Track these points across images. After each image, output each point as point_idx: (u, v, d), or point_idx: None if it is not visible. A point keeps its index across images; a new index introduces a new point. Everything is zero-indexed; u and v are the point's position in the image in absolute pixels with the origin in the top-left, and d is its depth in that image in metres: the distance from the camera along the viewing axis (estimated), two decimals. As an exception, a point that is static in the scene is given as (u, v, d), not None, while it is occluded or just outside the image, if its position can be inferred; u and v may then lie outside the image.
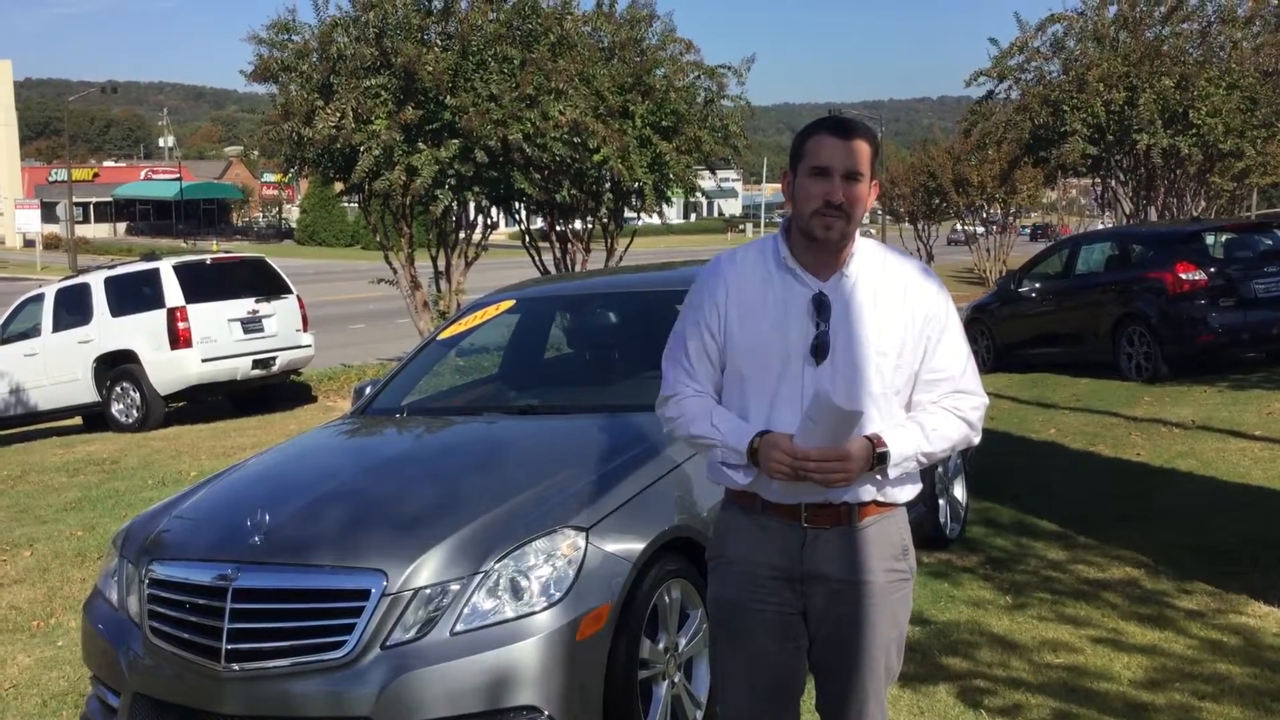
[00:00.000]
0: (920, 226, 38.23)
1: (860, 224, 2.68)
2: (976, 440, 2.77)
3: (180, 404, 14.29)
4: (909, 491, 2.76)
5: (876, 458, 2.59)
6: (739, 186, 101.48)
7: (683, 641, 3.93)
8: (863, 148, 2.62)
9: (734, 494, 2.79)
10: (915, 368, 2.70)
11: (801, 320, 2.66)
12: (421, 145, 12.99)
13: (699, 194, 16.30)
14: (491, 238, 15.95)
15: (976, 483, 6.85)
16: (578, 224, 15.74)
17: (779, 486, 2.66)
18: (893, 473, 2.65)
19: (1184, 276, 11.99)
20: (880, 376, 2.66)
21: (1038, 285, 14.31)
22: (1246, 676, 4.36)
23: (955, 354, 2.73)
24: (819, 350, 2.64)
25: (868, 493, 2.67)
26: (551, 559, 3.53)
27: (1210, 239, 13.09)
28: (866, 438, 2.60)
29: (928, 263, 2.76)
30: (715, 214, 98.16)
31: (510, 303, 5.78)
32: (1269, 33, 18.74)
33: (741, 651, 2.78)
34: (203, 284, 13.70)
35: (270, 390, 14.77)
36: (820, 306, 2.66)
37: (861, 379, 2.64)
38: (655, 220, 16.68)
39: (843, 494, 2.65)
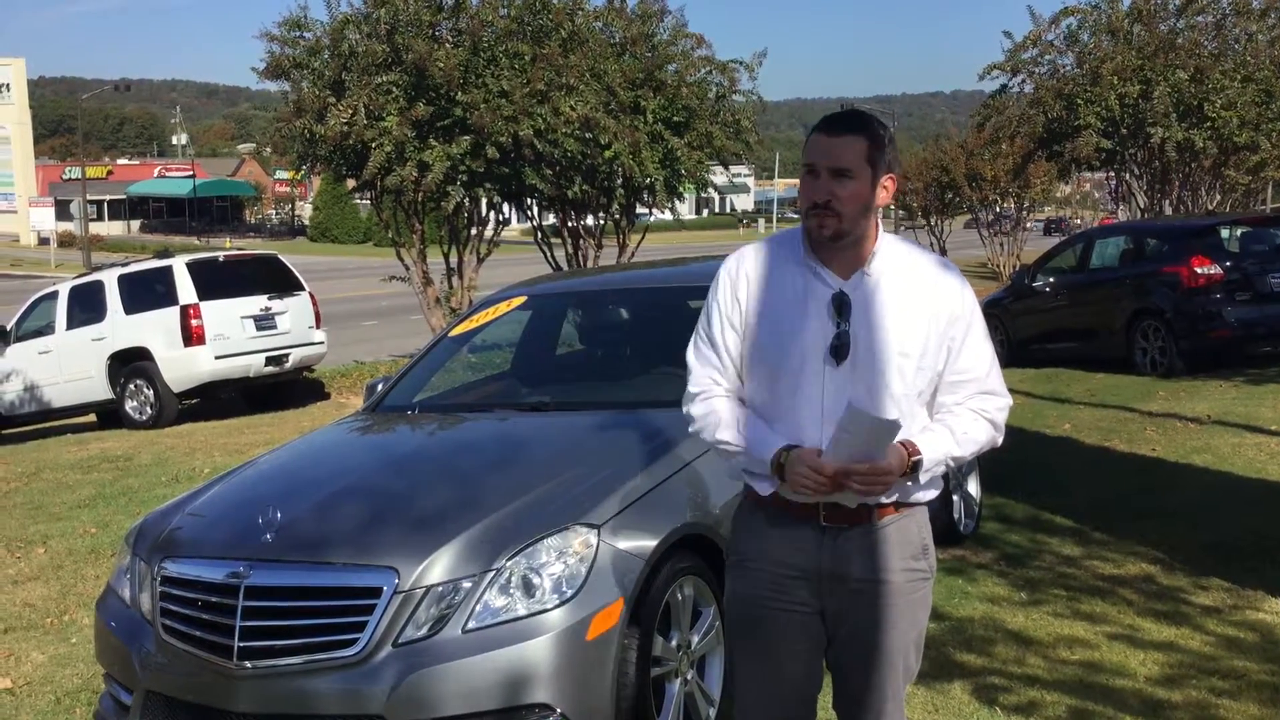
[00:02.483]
0: (933, 221, 38.12)
1: (866, 220, 2.63)
2: (1000, 440, 2.74)
3: (193, 401, 14.32)
4: (930, 492, 2.73)
5: (911, 465, 2.57)
6: (751, 182, 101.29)
7: (695, 639, 3.91)
8: (851, 143, 2.57)
9: (752, 493, 2.76)
10: (938, 369, 2.66)
11: (822, 319, 2.62)
12: (433, 141, 12.98)
13: (711, 189, 16.25)
14: (503, 234, 15.95)
15: (990, 478, 6.81)
16: (589, 220, 15.72)
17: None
18: (923, 479, 2.63)
19: (1199, 271, 11.92)
20: (902, 378, 2.62)
21: (1052, 280, 14.24)
22: (1264, 673, 4.33)
23: (981, 355, 2.69)
24: (839, 350, 2.60)
25: (889, 494, 2.64)
26: (563, 556, 3.52)
27: (1225, 233, 13.02)
28: (901, 444, 2.56)
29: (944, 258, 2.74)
30: (728, 210, 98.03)
31: (522, 299, 5.77)
32: (1285, 25, 18.62)
33: (759, 651, 2.76)
34: (216, 281, 13.75)
35: (283, 387, 14.80)
36: (841, 306, 2.61)
37: (882, 380, 2.61)
38: (667, 216, 16.66)
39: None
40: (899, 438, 2.57)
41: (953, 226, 39.35)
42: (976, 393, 2.69)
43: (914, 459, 2.57)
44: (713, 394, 2.74)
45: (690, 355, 2.80)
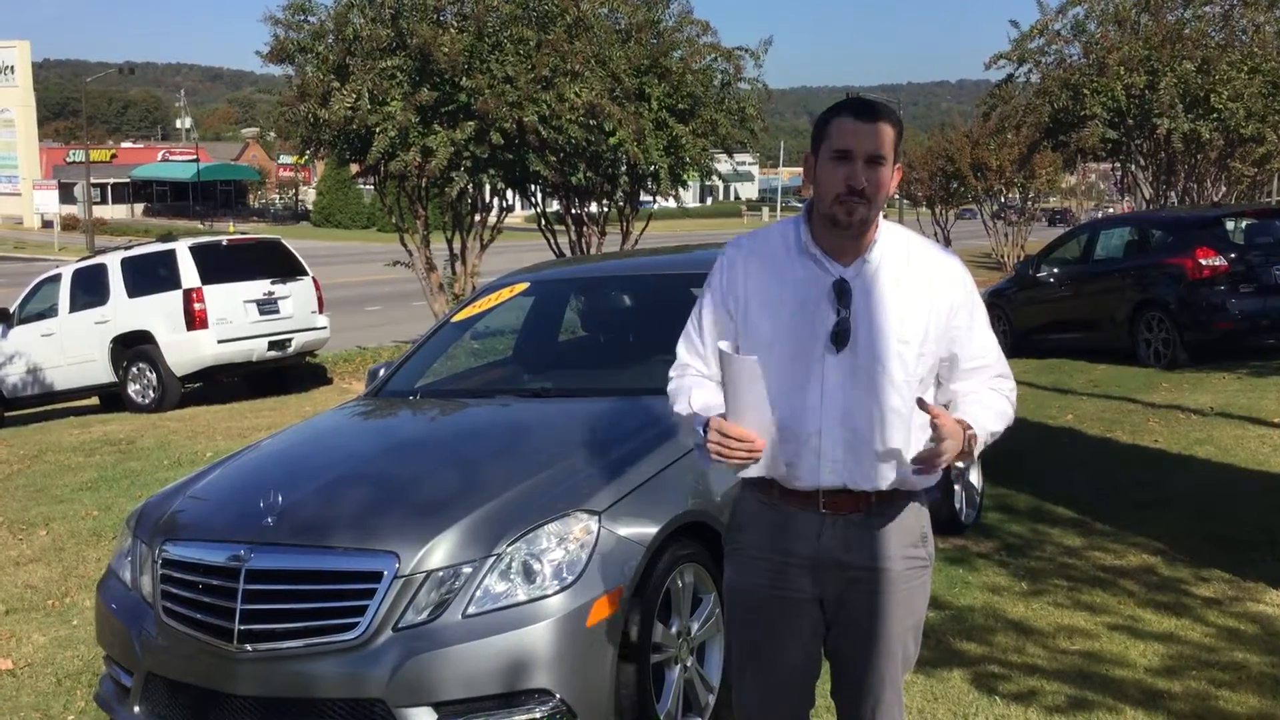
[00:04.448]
0: (938, 211, 38.06)
1: (882, 208, 2.64)
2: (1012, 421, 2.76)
3: (196, 385, 14.33)
4: (928, 479, 2.72)
5: (968, 442, 2.54)
6: (755, 170, 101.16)
7: (695, 626, 3.91)
8: (886, 130, 2.56)
9: (750, 481, 2.76)
10: (939, 355, 2.66)
11: (822, 307, 2.62)
12: (437, 127, 12.96)
13: (715, 177, 16.22)
14: (507, 220, 15.93)
15: (992, 468, 6.81)
16: (593, 207, 15.70)
17: (788, 471, 2.64)
18: (976, 451, 2.61)
19: (1204, 262, 11.90)
20: (902, 365, 2.61)
21: (1056, 271, 14.23)
22: (1264, 665, 4.33)
23: (989, 340, 2.72)
24: (839, 338, 2.60)
25: (886, 480, 2.64)
26: (564, 542, 3.52)
27: (1230, 225, 12.99)
28: (957, 422, 2.53)
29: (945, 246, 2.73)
30: (731, 198, 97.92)
31: (525, 285, 5.76)
32: (1292, 17, 18.55)
33: (758, 638, 2.76)
34: (219, 265, 13.74)
35: (286, 372, 14.81)
36: (841, 293, 2.61)
37: (883, 368, 2.60)
38: (671, 203, 16.62)
39: (861, 481, 2.63)
40: (891, 431, 2.58)
41: (953, 217, 39.21)
42: (994, 376, 2.71)
43: (968, 433, 2.55)
44: (685, 374, 2.78)
45: (680, 341, 2.84)
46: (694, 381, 2.76)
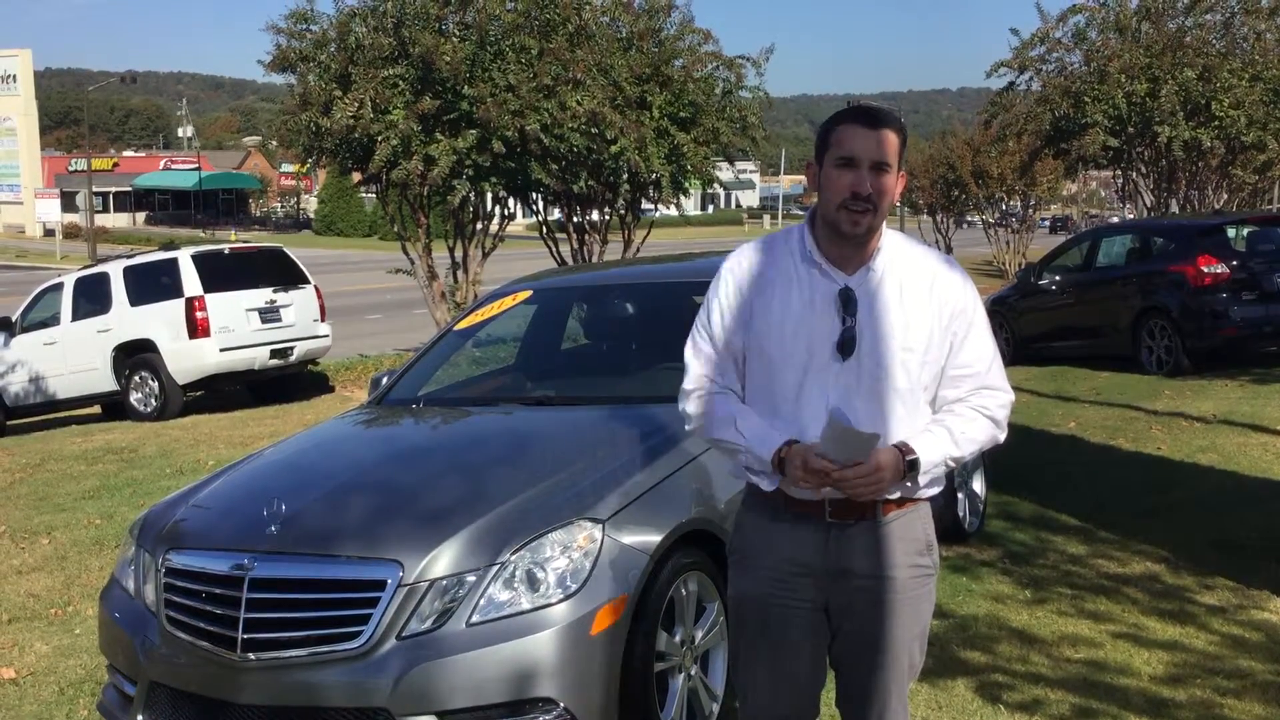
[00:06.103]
0: (939, 218, 38.04)
1: (887, 216, 2.64)
2: (1002, 438, 2.73)
3: (198, 393, 14.34)
4: (933, 488, 2.72)
5: (906, 465, 2.56)
6: (756, 178, 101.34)
7: (699, 634, 3.91)
8: (890, 138, 2.57)
9: (755, 489, 2.75)
10: (942, 363, 2.66)
11: (828, 315, 2.62)
12: (439, 135, 12.97)
13: (716, 185, 16.23)
14: (508, 229, 15.94)
15: (996, 476, 6.80)
16: (595, 215, 15.71)
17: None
18: (922, 480, 2.62)
19: (1206, 270, 11.90)
20: (906, 373, 2.62)
21: (1058, 278, 14.23)
22: (1269, 673, 4.32)
23: (982, 349, 2.69)
24: (845, 346, 2.60)
25: (892, 490, 2.63)
26: (568, 551, 3.52)
27: (1232, 232, 13.00)
28: (895, 446, 2.56)
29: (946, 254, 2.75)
30: (733, 205, 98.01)
31: (527, 293, 5.76)
32: (1293, 24, 18.55)
33: (764, 647, 2.76)
34: (221, 274, 13.76)
35: (288, 380, 14.81)
36: (847, 302, 2.61)
37: (887, 376, 2.61)
38: (672, 212, 16.63)
39: None
40: (895, 439, 2.57)
41: (953, 225, 39.18)
42: (977, 388, 2.68)
43: (909, 458, 2.56)
44: (709, 390, 2.74)
45: (688, 352, 2.80)
46: (727, 403, 2.72)
